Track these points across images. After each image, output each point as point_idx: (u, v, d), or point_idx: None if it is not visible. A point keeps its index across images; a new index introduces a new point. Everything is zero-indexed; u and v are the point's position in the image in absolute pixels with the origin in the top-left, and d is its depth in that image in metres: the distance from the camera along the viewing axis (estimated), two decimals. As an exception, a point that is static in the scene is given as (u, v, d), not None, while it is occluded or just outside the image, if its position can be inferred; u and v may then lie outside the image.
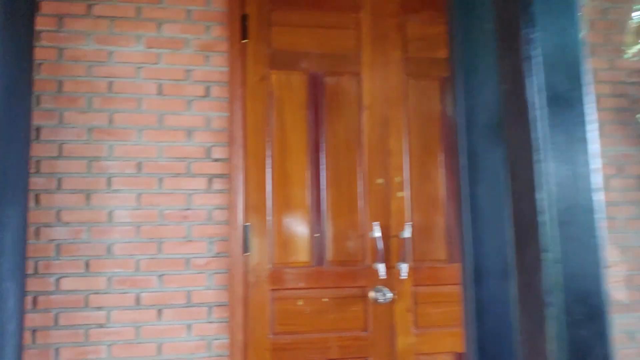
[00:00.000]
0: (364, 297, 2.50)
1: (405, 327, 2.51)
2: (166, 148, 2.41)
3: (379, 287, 2.49)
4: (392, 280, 2.51)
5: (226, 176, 2.45)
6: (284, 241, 2.46)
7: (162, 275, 2.35)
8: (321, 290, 2.47)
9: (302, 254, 2.47)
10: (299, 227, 2.48)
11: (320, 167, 2.53)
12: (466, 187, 1.17)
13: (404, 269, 2.45)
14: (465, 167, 1.18)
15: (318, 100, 2.56)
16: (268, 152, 2.49)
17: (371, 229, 2.52)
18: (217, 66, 2.49)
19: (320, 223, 2.50)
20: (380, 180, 2.56)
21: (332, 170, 2.53)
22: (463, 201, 1.18)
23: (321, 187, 2.52)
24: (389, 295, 2.44)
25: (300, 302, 2.44)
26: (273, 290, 2.43)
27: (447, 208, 2.61)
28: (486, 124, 1.18)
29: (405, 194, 2.58)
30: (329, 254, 2.49)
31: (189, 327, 2.35)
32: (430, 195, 2.61)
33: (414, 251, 2.56)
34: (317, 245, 2.49)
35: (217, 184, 2.44)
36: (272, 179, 2.48)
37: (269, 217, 2.46)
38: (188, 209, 2.40)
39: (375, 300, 2.46)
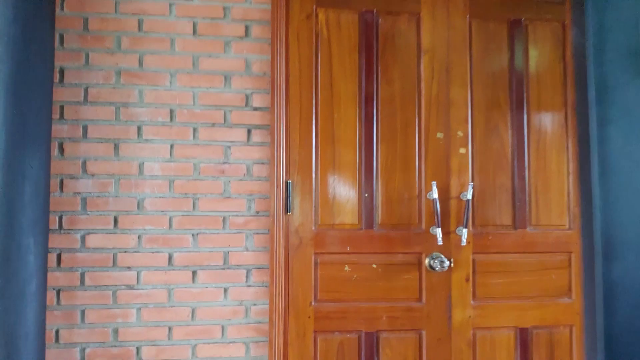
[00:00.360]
0: (419, 264, 2.26)
1: (463, 298, 2.27)
2: (201, 94, 2.19)
3: (436, 253, 2.25)
4: (449, 247, 2.26)
5: (267, 127, 2.21)
6: (330, 200, 2.23)
7: (197, 234, 2.15)
8: (370, 256, 2.24)
9: (350, 216, 2.24)
10: (346, 185, 2.24)
11: (373, 118, 2.27)
12: (594, 130, 0.90)
13: (465, 234, 2.19)
14: (593, 103, 0.90)
15: (371, 43, 2.29)
16: (314, 101, 2.24)
17: (428, 189, 2.26)
18: (258, 3, 2.23)
19: (371, 181, 2.26)
20: (439, 135, 2.29)
21: (386, 122, 2.27)
22: (591, 149, 0.90)
23: (373, 140, 2.26)
24: (447, 263, 2.20)
25: (346, 268, 2.22)
26: (317, 253, 2.21)
27: (515, 167, 2.33)
28: (624, 49, 0.90)
29: (468, 150, 2.30)
30: (380, 216, 2.25)
31: (225, 290, 2.16)
32: (496, 152, 2.33)
33: (475, 215, 2.30)
34: (366, 206, 2.25)
35: (257, 136, 2.21)
36: (318, 131, 2.24)
37: (313, 174, 2.22)
38: (225, 163, 2.18)
39: (431, 268, 2.22)
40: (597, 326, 1.02)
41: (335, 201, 2.23)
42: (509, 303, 2.30)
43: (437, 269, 2.20)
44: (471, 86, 2.32)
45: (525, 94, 2.35)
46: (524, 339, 2.30)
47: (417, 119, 2.29)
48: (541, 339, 2.31)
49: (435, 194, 2.21)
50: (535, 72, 2.36)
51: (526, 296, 2.31)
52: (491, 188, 2.31)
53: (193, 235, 2.15)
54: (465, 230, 2.20)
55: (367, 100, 2.27)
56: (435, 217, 2.20)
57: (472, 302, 2.27)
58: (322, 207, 2.22)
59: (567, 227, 2.35)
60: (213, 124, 2.18)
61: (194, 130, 2.17)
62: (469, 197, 2.22)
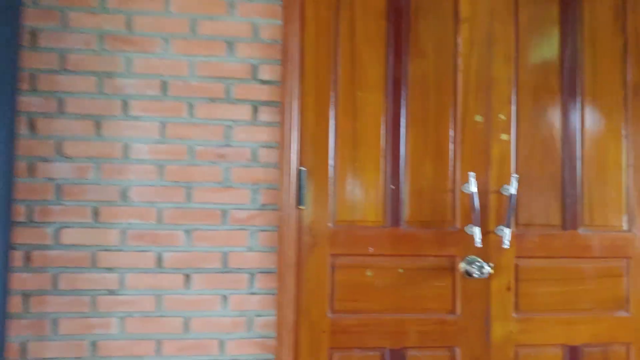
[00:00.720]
0: (452, 269, 1.97)
1: (503, 310, 1.97)
2: (200, 64, 1.89)
3: (473, 257, 1.95)
4: (488, 249, 1.97)
5: (277, 104, 1.92)
6: (350, 192, 1.93)
7: (191, 230, 1.86)
8: (396, 259, 1.94)
9: (373, 211, 1.94)
10: (369, 175, 1.94)
11: (401, 96, 1.97)
12: None
13: (507, 235, 1.90)
14: None
15: (400, 8, 2.00)
16: (332, 75, 1.94)
17: (464, 181, 1.97)
18: (268, -42, 1.94)
19: (398, 171, 1.96)
20: (478, 118, 1.99)
21: (416, 101, 1.98)
22: None
23: (401, 123, 1.97)
24: (487, 269, 1.90)
25: (368, 273, 1.93)
26: (334, 255, 1.91)
27: (565, 157, 2.04)
28: None
29: (511, 136, 2.01)
30: (408, 211, 1.96)
31: (224, 298, 1.86)
32: (542, 139, 2.04)
33: (519, 212, 2.01)
34: (392, 199, 1.95)
35: (265, 114, 1.91)
36: (337, 110, 1.94)
37: (331, 161, 1.93)
38: (226, 146, 1.89)
39: (468, 274, 1.93)
40: None
41: (355, 193, 1.93)
42: (557, 316, 2.01)
43: (475, 275, 1.90)
44: (516, 62, 2.03)
45: (578, 72, 2.06)
46: (574, 359, 2.00)
47: (452, 99, 1.99)
48: (594, 359, 2.01)
49: (473, 187, 1.91)
50: (591, 47, 2.07)
51: (576, 308, 2.02)
52: (537, 181, 2.02)
53: (186, 231, 1.85)
54: (508, 230, 1.91)
55: (395, 76, 1.97)
56: (473, 213, 1.91)
57: (514, 314, 1.98)
58: (340, 200, 1.93)
59: (624, 228, 2.06)
60: (213, 99, 1.89)
61: (190, 106, 1.87)
62: (513, 191, 1.93)
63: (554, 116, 2.04)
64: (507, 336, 1.97)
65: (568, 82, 2.05)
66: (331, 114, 1.93)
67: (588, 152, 2.05)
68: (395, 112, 1.97)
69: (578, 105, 2.05)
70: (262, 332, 1.88)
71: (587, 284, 2.02)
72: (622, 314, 2.04)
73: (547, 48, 2.05)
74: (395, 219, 1.95)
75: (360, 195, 1.94)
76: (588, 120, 2.05)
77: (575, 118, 2.05)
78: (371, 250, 1.93)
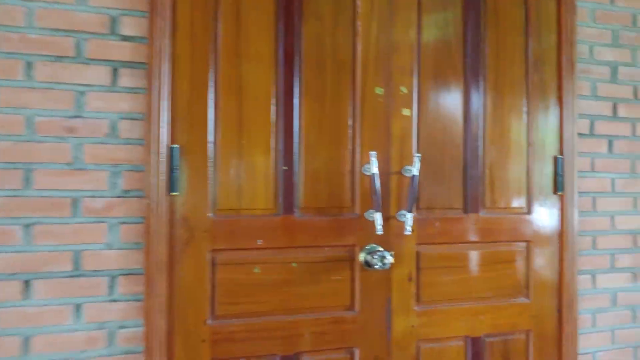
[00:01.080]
0: (352, 260, 1.78)
1: (404, 303, 1.83)
2: (41, 12, 1.51)
3: (374, 246, 1.78)
4: (389, 237, 1.82)
5: (143, 66, 1.59)
6: (235, 176, 1.67)
7: (32, 224, 1.49)
8: (289, 251, 1.72)
9: (262, 197, 1.69)
10: (257, 154, 1.69)
11: (294, 64, 1.73)
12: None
13: (409, 220, 1.74)
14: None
15: (292, -41, 1.74)
16: (213, 34, 1.65)
17: (364, 162, 1.78)
18: None
19: (291, 150, 1.72)
20: (379, 90, 1.81)
21: (312, 69, 1.75)
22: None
23: (294, 94, 1.73)
24: (389, 258, 1.73)
25: (256, 270, 1.68)
26: (215, 251, 1.64)
27: (468, 135, 1.92)
28: None
29: (413, 111, 1.85)
30: (303, 197, 1.74)
31: (76, 308, 1.53)
32: (445, 115, 1.90)
33: (420, 195, 1.86)
34: (285, 183, 1.72)
35: (128, 78, 1.58)
36: (218, 76, 1.66)
37: (210, 137, 1.65)
38: (77, 117, 1.53)
39: (368, 265, 1.75)
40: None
41: (241, 176, 1.67)
42: (459, 307, 1.91)
43: (376, 266, 1.72)
44: (419, 28, 1.88)
45: (480, 45, 1.95)
46: (476, 350, 1.92)
47: (351, 68, 1.79)
48: (495, 349, 1.94)
49: (374, 168, 1.73)
50: (494, 18, 1.97)
51: (478, 297, 1.93)
52: (439, 161, 1.89)
53: (25, 225, 1.49)
54: (410, 215, 1.75)
55: (287, 40, 1.72)
56: (374, 198, 1.73)
57: (415, 307, 1.85)
58: (223, 185, 1.65)
59: (524, 210, 2.00)
60: (59, 58, 1.52)
61: (28, 65, 1.49)
62: (415, 172, 1.77)
63: (456, 91, 1.92)
64: (409, 331, 1.84)
65: (471, 55, 1.94)
66: (211, 79, 1.64)
67: (490, 130, 1.96)
68: (288, 81, 1.72)
69: (480, 80, 1.95)
70: (126, 346, 1.56)
71: (488, 270, 1.94)
72: (523, 300, 1.99)
73: (450, 17, 1.91)
74: (288, 206, 1.72)
75: (246, 179, 1.68)
76: (490, 97, 1.96)
77: (477, 94, 1.94)
78: (260, 243, 1.68)
